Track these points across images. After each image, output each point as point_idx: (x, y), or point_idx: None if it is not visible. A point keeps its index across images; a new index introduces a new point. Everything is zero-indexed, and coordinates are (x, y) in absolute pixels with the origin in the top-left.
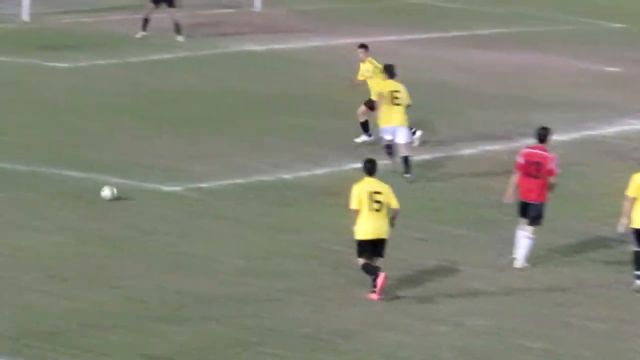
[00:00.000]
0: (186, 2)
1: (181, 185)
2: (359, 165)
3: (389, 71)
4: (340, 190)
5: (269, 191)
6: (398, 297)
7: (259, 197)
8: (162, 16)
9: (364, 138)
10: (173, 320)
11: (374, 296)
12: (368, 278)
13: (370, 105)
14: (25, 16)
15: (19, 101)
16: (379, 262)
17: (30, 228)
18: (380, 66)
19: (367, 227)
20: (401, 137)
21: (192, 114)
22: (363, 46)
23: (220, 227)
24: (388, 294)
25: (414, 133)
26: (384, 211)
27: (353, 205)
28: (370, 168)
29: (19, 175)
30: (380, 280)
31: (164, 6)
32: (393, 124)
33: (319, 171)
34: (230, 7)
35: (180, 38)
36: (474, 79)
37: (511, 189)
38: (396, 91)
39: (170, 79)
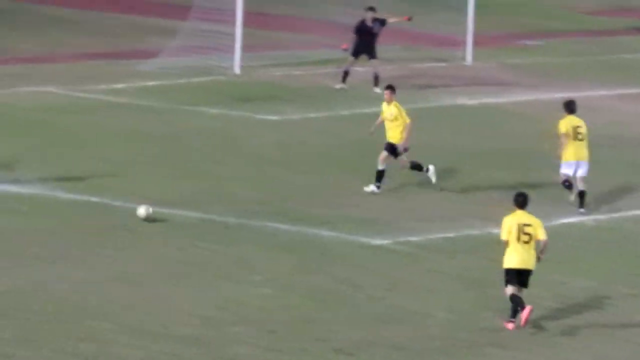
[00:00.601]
0: (397, 55)
1: (390, 239)
2: (569, 220)
3: (570, 107)
4: (549, 245)
5: (478, 245)
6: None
7: (469, 251)
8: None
9: (372, 188)
10: None
11: (510, 325)
12: (510, 307)
13: (392, 149)
14: (236, 69)
15: (229, 153)
16: (523, 292)
17: (239, 280)
18: (404, 110)
19: (515, 257)
20: (581, 172)
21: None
22: (389, 87)
23: (429, 280)
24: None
25: (427, 170)
26: (532, 243)
27: (503, 236)
28: (521, 201)
29: (228, 228)
30: (526, 312)
31: (364, 58)
32: (576, 159)
33: None
34: (441, 61)
35: (377, 90)
36: None
37: None
38: (579, 126)
39: (379, 132)
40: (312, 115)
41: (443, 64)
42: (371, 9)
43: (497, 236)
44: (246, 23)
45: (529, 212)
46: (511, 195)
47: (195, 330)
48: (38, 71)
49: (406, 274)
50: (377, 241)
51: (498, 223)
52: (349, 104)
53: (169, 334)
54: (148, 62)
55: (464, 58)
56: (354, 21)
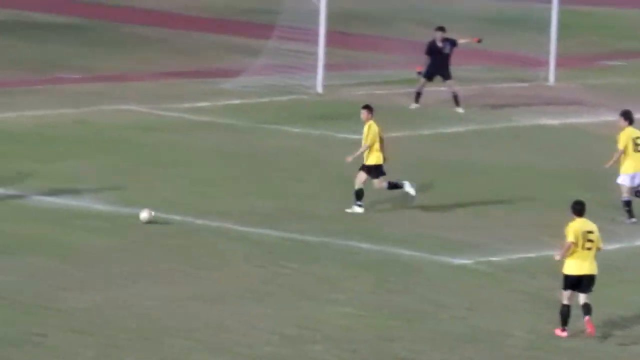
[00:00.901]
0: (478, 76)
1: (472, 259)
2: None
3: (628, 117)
4: (628, 265)
5: (558, 266)
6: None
7: (549, 272)
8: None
9: (355, 209)
10: None
11: (561, 333)
12: (560, 315)
13: (368, 170)
14: (319, 88)
15: (310, 171)
16: (587, 298)
17: (321, 299)
18: (373, 133)
19: (579, 264)
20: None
21: (481, 187)
22: (365, 107)
23: (510, 300)
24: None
25: (403, 186)
26: (594, 250)
27: (570, 238)
28: (580, 209)
29: (309, 246)
30: (588, 321)
31: (439, 79)
32: (634, 170)
33: (610, 246)
34: (523, 81)
35: (459, 110)
36: None
37: None
38: (638, 137)
39: (461, 151)
40: (394, 134)
41: (525, 84)
42: (440, 28)
43: None
44: (329, 42)
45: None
46: (590, 216)
47: (276, 348)
48: (122, 89)
49: (487, 294)
50: (459, 261)
51: None
52: (431, 123)
53: (250, 352)
54: (231, 80)
55: (546, 78)
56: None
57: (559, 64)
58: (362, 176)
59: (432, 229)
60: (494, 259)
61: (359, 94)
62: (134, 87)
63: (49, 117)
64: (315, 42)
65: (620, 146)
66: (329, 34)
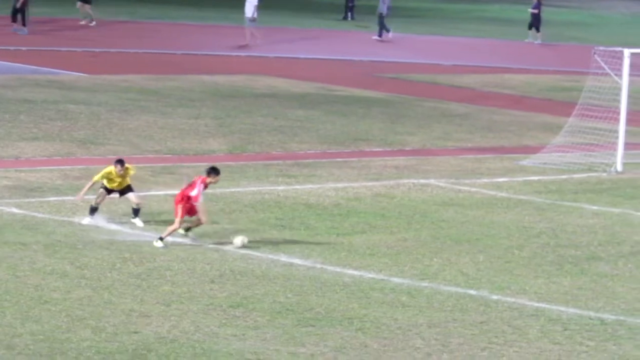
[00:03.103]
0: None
1: None
2: None
3: None
4: None
5: None
6: None
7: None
8: None
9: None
10: None
11: None
12: None
13: None
14: (619, 166)
15: (609, 250)
16: None
17: None
18: None
19: None
20: None
21: None
22: None
23: None
24: None
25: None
26: None
27: None
28: None
29: (605, 324)
30: None
31: None
32: None
33: None
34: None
35: None
36: None
37: None
38: None
39: None
40: None
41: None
42: None
43: None
44: (629, 121)
45: None
46: None
47: None
48: (423, 163)
49: None
50: None
51: None
52: None
53: None
54: (531, 157)
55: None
56: None
57: None
58: None
59: None
60: None
61: None
62: (434, 162)
63: (350, 190)
64: (616, 120)
65: None
66: (631, 113)
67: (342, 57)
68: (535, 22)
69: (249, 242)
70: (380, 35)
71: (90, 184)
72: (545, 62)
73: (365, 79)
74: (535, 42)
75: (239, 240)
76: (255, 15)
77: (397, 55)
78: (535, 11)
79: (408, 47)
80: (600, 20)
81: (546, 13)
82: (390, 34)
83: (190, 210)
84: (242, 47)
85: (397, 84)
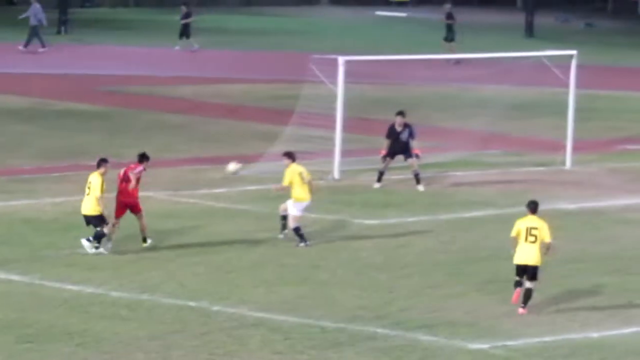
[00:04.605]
0: (497, 160)
1: (488, 343)
2: None
3: None
4: None
5: (576, 349)
6: None
7: (566, 356)
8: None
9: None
10: None
11: (521, 310)
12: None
13: None
14: (335, 174)
15: (328, 258)
16: (532, 284)
17: None
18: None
19: (521, 254)
20: None
21: (499, 271)
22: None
23: None
24: None
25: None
26: (537, 243)
27: (512, 233)
28: (533, 207)
29: (325, 332)
30: (515, 295)
31: (401, 158)
32: None
33: (626, 330)
34: (540, 165)
35: (420, 188)
36: None
37: None
38: None
39: (481, 236)
40: (410, 219)
41: (542, 168)
42: (400, 113)
43: (595, 341)
44: (349, 128)
45: (539, 217)
46: (613, 299)
47: None
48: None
49: None
50: (475, 345)
51: (599, 327)
52: (449, 208)
53: None
54: (249, 166)
55: (563, 162)
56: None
57: (578, 148)
58: None
59: (449, 313)
60: (510, 343)
61: (374, 179)
62: (154, 174)
63: (68, 204)
64: (333, 127)
65: None
66: (350, 120)
67: (59, 70)
68: (185, 30)
69: None
70: (26, 47)
71: None
72: (262, 71)
73: (83, 92)
74: (193, 48)
75: (232, 166)
76: None
77: (113, 67)
78: (187, 21)
79: (123, 58)
80: (316, 27)
81: (262, 22)
82: (46, 47)
83: None
84: None
85: (115, 97)
